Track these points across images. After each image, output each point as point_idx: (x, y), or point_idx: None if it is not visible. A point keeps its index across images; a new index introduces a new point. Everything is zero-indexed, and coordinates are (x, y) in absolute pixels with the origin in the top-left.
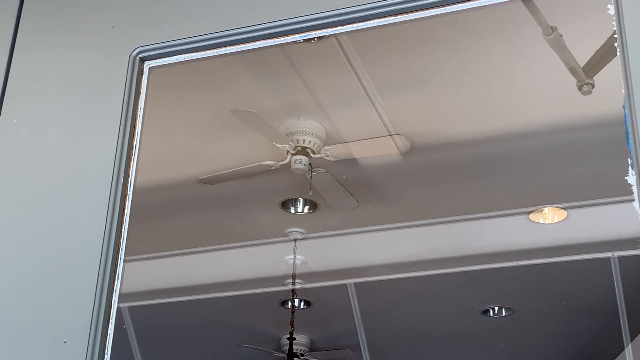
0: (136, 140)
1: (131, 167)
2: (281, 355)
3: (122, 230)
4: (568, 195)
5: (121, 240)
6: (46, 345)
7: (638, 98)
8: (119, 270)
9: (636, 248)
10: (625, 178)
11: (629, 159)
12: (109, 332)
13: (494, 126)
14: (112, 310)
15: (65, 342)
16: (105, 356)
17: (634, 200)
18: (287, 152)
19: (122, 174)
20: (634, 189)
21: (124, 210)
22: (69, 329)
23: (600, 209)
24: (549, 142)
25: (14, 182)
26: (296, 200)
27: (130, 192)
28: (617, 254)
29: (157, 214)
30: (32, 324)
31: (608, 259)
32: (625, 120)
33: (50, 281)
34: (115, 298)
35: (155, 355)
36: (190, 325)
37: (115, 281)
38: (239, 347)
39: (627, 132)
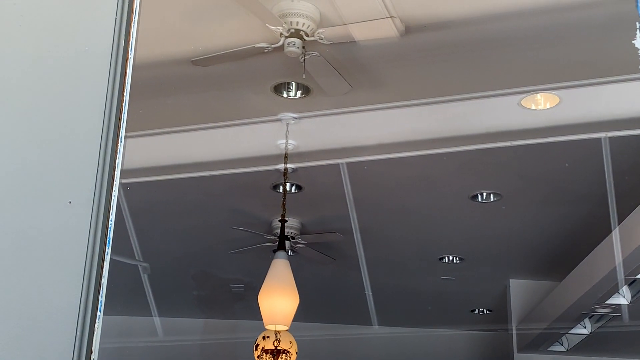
0: (136, 3)
1: (132, 30)
2: (272, 238)
3: (125, 91)
4: (561, 75)
5: (124, 104)
6: (51, 206)
7: None
8: (122, 134)
9: (628, 128)
10: (633, 42)
11: (637, 23)
12: (114, 193)
13: (489, 6)
14: (116, 171)
15: (70, 202)
16: (111, 216)
17: (630, 79)
18: (281, 34)
19: (122, 37)
20: None
21: (125, 73)
22: (73, 189)
23: (593, 90)
24: (543, 23)
25: (12, 44)
26: (289, 84)
27: (131, 55)
28: (609, 134)
29: (149, 92)
30: (37, 185)
31: (599, 140)
32: None
33: (55, 143)
34: (119, 160)
35: (149, 235)
36: (183, 206)
37: (119, 143)
38: (231, 229)
39: None
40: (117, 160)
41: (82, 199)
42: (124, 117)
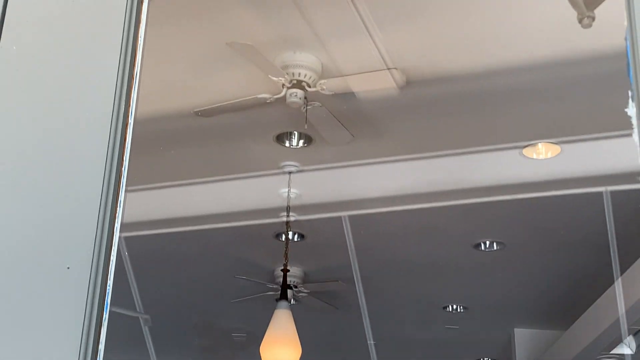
0: (137, 69)
1: (132, 95)
2: (275, 287)
3: (124, 156)
4: (562, 130)
5: (123, 168)
6: (50, 271)
7: None
8: (121, 197)
9: (629, 182)
10: (625, 110)
11: (629, 91)
12: (112, 258)
13: (491, 60)
14: (114, 236)
15: (68, 268)
16: (108, 281)
17: (630, 134)
18: (283, 85)
19: (123, 102)
20: (634, 120)
21: (125, 139)
22: (72, 255)
23: (594, 144)
24: (546, 77)
25: (14, 108)
26: (291, 133)
27: (131, 120)
28: (609, 188)
29: (152, 146)
30: (35, 250)
31: (600, 193)
32: (627, 52)
33: (53, 207)
34: (117, 225)
35: (151, 285)
36: (185, 256)
37: (118, 208)
38: (233, 278)
39: (628, 64)
40: (115, 225)
41: (80, 264)
42: (124, 181)
